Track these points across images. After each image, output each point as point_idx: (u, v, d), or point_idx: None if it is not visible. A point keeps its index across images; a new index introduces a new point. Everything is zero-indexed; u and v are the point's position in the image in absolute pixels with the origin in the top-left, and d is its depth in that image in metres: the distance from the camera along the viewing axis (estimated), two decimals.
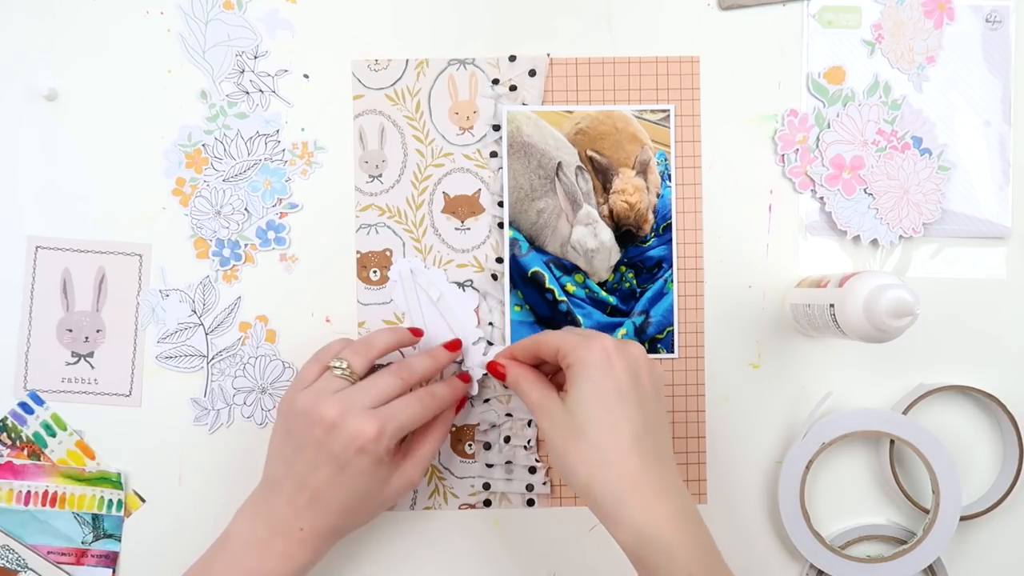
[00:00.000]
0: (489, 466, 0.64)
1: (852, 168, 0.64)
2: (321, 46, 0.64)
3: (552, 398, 0.54)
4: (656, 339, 0.64)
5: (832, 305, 0.55)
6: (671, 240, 0.64)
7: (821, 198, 0.64)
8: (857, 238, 0.64)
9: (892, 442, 0.63)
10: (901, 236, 0.64)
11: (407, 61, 0.64)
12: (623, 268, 0.64)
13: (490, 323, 0.63)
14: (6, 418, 0.63)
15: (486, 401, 0.64)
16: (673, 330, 0.64)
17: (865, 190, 0.64)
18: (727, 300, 0.65)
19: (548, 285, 0.63)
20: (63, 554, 0.63)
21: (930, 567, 0.64)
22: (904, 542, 0.64)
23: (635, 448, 0.50)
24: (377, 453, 0.55)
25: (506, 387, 0.62)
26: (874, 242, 0.64)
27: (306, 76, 0.64)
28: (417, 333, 0.62)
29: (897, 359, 0.64)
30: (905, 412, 0.63)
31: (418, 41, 0.64)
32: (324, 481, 0.55)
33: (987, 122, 0.65)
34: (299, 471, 0.55)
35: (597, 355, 0.52)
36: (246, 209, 0.64)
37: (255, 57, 0.64)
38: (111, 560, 0.63)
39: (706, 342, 0.64)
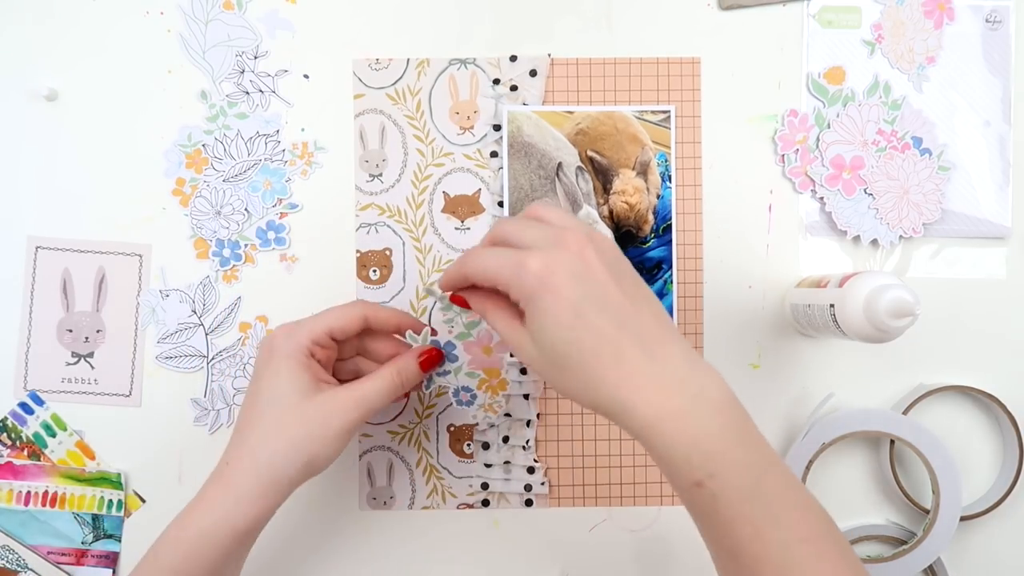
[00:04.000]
0: (487, 466, 0.64)
1: (852, 168, 0.64)
2: (321, 46, 0.64)
3: (519, 331, 0.47)
4: None
5: (832, 305, 0.55)
6: (671, 241, 0.64)
7: (821, 198, 0.64)
8: (857, 238, 0.64)
9: (892, 442, 0.63)
10: (901, 236, 0.64)
11: (408, 60, 0.64)
12: None
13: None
14: (6, 418, 0.63)
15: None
16: None
17: (865, 190, 0.64)
18: (727, 300, 0.65)
19: None
20: (63, 554, 0.63)
21: (930, 567, 0.64)
22: (904, 542, 0.64)
23: (616, 355, 0.44)
24: (286, 350, 0.52)
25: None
26: (874, 242, 0.64)
27: (306, 76, 0.64)
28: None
29: (897, 359, 0.64)
30: (905, 412, 0.63)
31: (419, 41, 0.64)
32: (246, 403, 0.53)
33: (987, 122, 0.65)
34: (243, 401, 0.54)
35: (534, 283, 0.45)
36: (246, 209, 0.64)
37: (255, 57, 0.64)
38: (111, 560, 0.63)
39: (706, 342, 0.64)
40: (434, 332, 0.63)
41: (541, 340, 0.46)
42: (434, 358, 0.57)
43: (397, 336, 0.60)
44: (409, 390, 0.57)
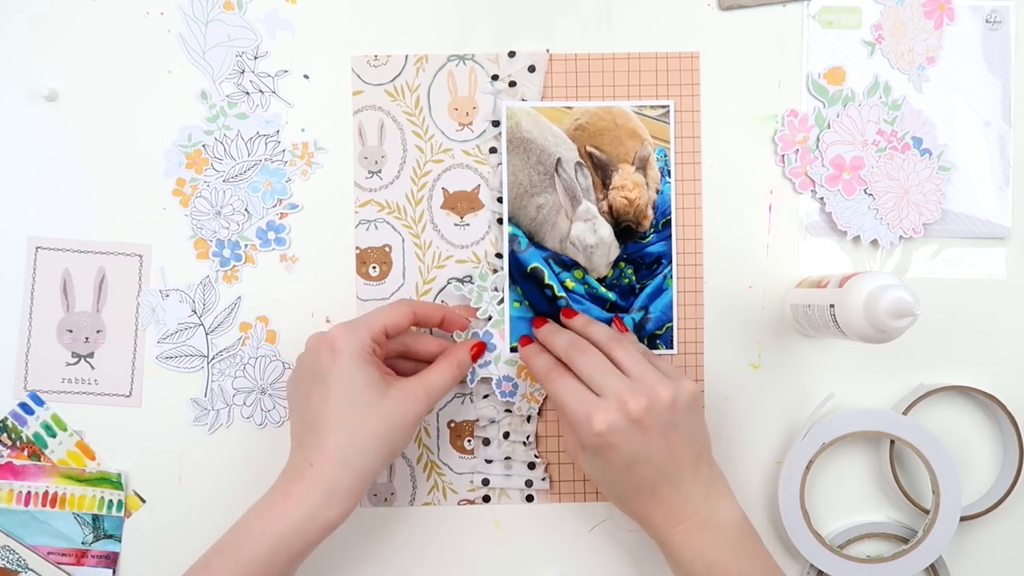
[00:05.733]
0: (488, 462, 0.64)
1: (852, 168, 0.64)
2: (321, 46, 0.64)
3: (578, 447, 0.57)
4: (655, 335, 0.64)
5: (832, 305, 0.55)
6: (670, 236, 0.64)
7: (821, 198, 0.64)
8: (857, 238, 0.64)
9: (892, 442, 0.63)
10: (901, 236, 0.64)
11: (407, 57, 0.64)
12: (622, 264, 0.64)
13: (488, 317, 0.63)
14: (6, 419, 0.63)
15: (485, 397, 0.64)
16: (672, 326, 0.64)
17: (865, 190, 0.64)
18: (727, 300, 0.65)
19: (547, 281, 0.63)
20: (63, 555, 0.63)
21: (932, 567, 0.64)
22: (904, 540, 0.64)
23: (651, 492, 0.55)
24: (352, 349, 0.55)
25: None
26: (874, 242, 0.64)
27: (306, 76, 0.64)
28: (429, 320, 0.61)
29: (897, 359, 0.64)
30: (905, 412, 0.63)
31: (418, 37, 0.64)
32: (318, 402, 0.55)
33: (987, 122, 0.65)
34: (302, 411, 0.56)
35: (596, 440, 0.54)
36: (246, 209, 0.64)
37: (255, 57, 0.64)
38: (111, 561, 0.63)
39: (706, 342, 0.64)
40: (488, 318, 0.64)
41: (593, 471, 0.57)
42: (482, 349, 0.62)
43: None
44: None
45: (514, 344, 0.63)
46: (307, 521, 0.53)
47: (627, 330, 0.62)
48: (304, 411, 0.56)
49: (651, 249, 0.64)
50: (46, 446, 0.63)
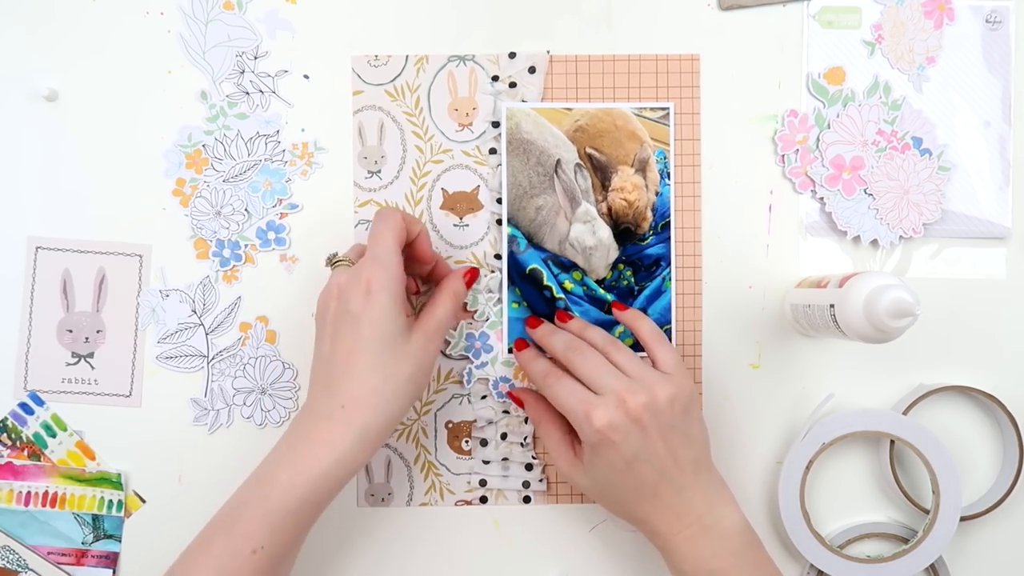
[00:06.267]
0: (485, 463, 0.64)
1: (852, 168, 0.64)
2: (321, 46, 0.64)
3: (572, 462, 0.58)
4: None
5: (832, 305, 0.55)
6: (669, 238, 0.64)
7: (821, 198, 0.64)
8: (857, 238, 0.64)
9: (892, 442, 0.63)
10: (901, 236, 0.64)
11: (407, 57, 0.64)
12: (621, 266, 0.64)
13: (487, 318, 0.63)
14: (6, 419, 0.63)
15: (483, 398, 0.64)
16: (671, 328, 0.64)
17: (865, 190, 0.64)
18: (727, 300, 0.65)
19: (546, 282, 0.63)
20: (63, 555, 0.63)
21: (932, 567, 0.64)
22: (905, 540, 0.64)
23: (653, 493, 0.55)
24: (390, 292, 0.54)
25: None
26: (874, 242, 0.64)
27: (306, 77, 0.64)
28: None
29: (897, 359, 0.64)
30: (905, 412, 0.63)
31: (418, 37, 0.64)
32: (349, 344, 0.54)
33: (987, 122, 0.65)
34: (327, 352, 0.55)
35: (596, 437, 0.54)
36: (246, 210, 0.64)
37: (255, 58, 0.64)
38: (111, 561, 0.63)
39: (706, 342, 0.64)
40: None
41: (593, 474, 0.56)
42: (475, 275, 0.62)
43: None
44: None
45: (511, 346, 0.63)
46: (338, 466, 0.53)
47: (626, 309, 0.62)
48: (331, 353, 0.55)
49: (650, 251, 0.64)
50: (46, 446, 0.63)
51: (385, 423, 0.54)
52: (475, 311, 0.64)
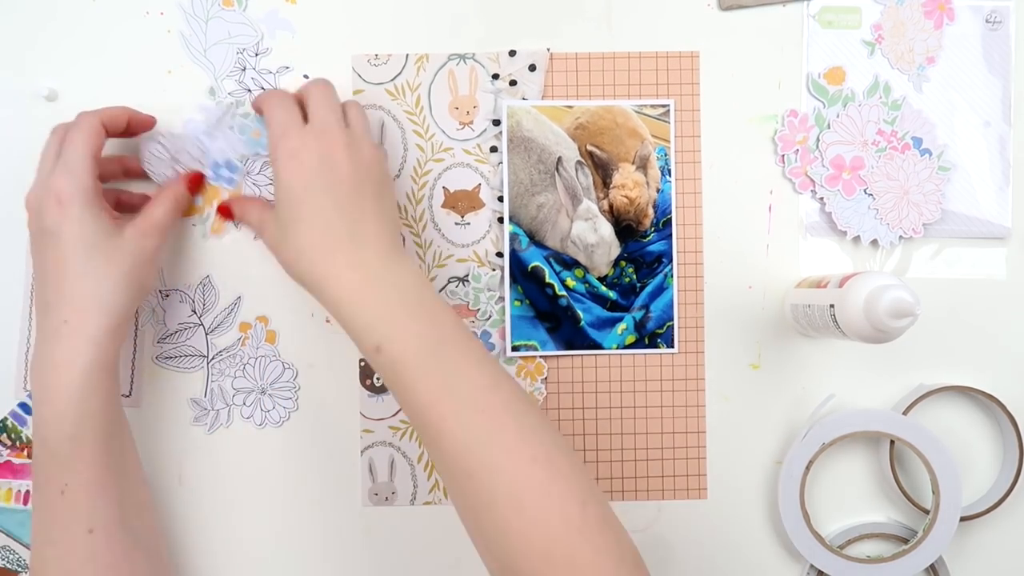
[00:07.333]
0: None
1: (852, 168, 0.64)
2: (321, 46, 0.64)
3: (268, 212, 0.56)
4: (656, 334, 0.64)
5: (832, 305, 0.55)
6: (671, 235, 0.64)
7: (821, 198, 0.64)
8: (857, 238, 0.64)
9: (892, 442, 0.63)
10: (901, 236, 0.64)
11: (407, 56, 0.64)
12: (623, 263, 0.64)
13: (488, 316, 0.63)
14: (6, 418, 0.63)
15: None
16: (673, 325, 0.64)
17: (865, 190, 0.64)
18: (727, 300, 0.65)
19: (548, 280, 0.63)
20: None
21: (932, 567, 0.64)
22: (905, 540, 0.64)
23: (325, 227, 0.52)
24: (82, 199, 0.54)
25: (237, 225, 0.63)
26: (874, 242, 0.64)
27: (306, 76, 0.64)
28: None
29: (897, 359, 0.64)
30: (905, 412, 0.63)
31: (418, 36, 0.64)
32: (54, 258, 0.54)
33: (987, 122, 0.65)
34: (39, 272, 0.55)
35: (283, 154, 0.53)
36: None
37: (256, 54, 0.64)
38: None
39: (706, 342, 0.64)
40: None
41: (278, 204, 0.53)
42: (197, 181, 0.62)
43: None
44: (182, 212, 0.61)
45: (515, 343, 0.63)
46: (89, 376, 0.53)
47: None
48: (42, 272, 0.55)
49: (652, 248, 0.64)
50: None
51: (115, 323, 0.54)
52: (477, 310, 0.63)
